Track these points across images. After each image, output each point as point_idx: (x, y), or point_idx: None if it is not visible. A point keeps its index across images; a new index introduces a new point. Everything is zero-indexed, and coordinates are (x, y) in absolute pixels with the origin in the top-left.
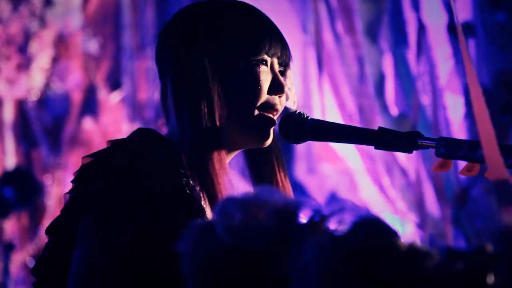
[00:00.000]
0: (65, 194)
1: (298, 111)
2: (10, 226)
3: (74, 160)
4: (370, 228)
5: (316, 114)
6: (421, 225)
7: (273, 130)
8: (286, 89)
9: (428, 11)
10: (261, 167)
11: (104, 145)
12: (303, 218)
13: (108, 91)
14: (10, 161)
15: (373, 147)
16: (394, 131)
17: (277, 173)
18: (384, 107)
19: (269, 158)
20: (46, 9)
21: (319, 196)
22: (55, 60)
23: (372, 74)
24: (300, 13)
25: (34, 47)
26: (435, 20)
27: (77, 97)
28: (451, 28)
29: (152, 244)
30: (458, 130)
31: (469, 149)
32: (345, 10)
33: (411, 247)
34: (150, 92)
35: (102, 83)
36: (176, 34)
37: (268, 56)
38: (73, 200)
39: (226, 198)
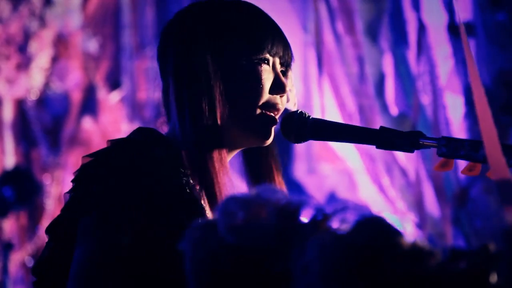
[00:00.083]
0: (65, 193)
1: (299, 110)
2: (9, 226)
3: (73, 160)
4: (373, 227)
5: (316, 114)
6: (420, 225)
7: (273, 130)
8: (287, 88)
9: (428, 11)
10: (258, 167)
11: (103, 145)
12: (305, 217)
13: (108, 90)
14: (10, 160)
15: (373, 146)
16: (395, 131)
17: (274, 173)
18: (384, 107)
19: (266, 159)
20: (45, 9)
21: (318, 195)
22: (55, 59)
23: (372, 74)
24: (300, 13)
25: (33, 46)
26: (435, 20)
27: (76, 96)
28: (451, 28)
29: (152, 243)
30: (458, 130)
31: (471, 148)
32: (345, 10)
33: (414, 246)
34: (149, 92)
35: (102, 82)
36: (178, 32)
37: (270, 55)
38: (73, 200)
39: (228, 197)
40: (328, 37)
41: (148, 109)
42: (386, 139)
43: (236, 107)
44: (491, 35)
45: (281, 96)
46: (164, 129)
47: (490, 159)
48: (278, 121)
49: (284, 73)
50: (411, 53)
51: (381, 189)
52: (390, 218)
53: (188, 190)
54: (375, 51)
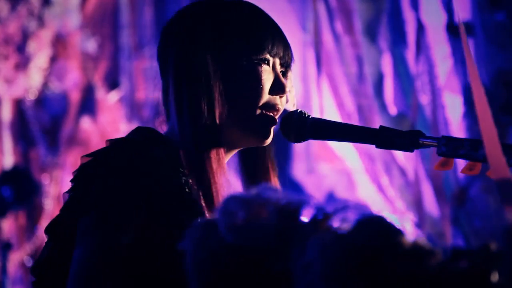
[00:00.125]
0: (64, 193)
1: (299, 109)
2: (8, 226)
3: (72, 160)
4: (374, 226)
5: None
6: (419, 225)
7: (273, 130)
8: (287, 89)
9: (427, 10)
10: (254, 167)
11: (102, 145)
12: (306, 217)
13: (106, 90)
14: (8, 160)
15: (372, 146)
16: (395, 130)
17: (270, 174)
18: (383, 107)
19: (263, 159)
20: (44, 9)
21: (317, 195)
22: (53, 59)
23: (371, 73)
24: (299, 13)
25: (32, 46)
26: (434, 20)
27: (75, 96)
28: (450, 27)
29: (152, 243)
30: (457, 130)
31: (471, 148)
32: (344, 10)
33: (415, 246)
34: (148, 91)
35: (100, 82)
36: (178, 31)
37: (271, 56)
38: (72, 200)
39: (228, 196)
40: (327, 37)
41: (146, 109)
42: (386, 138)
43: (236, 107)
44: (490, 35)
45: (280, 97)
46: (163, 128)
47: (490, 159)
48: (277, 121)
49: (284, 74)
50: (410, 53)
51: (380, 188)
52: (390, 217)
53: (187, 190)
54: (374, 51)
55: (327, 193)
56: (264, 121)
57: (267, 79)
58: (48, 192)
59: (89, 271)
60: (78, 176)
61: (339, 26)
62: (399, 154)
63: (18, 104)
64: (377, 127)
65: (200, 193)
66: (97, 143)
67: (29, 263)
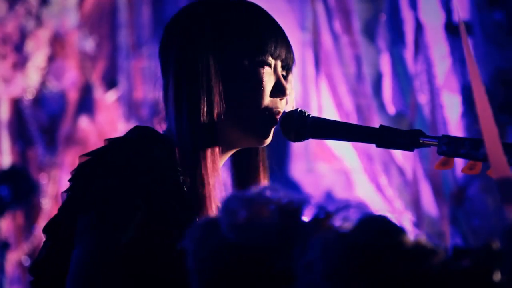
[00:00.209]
0: (62, 193)
1: (299, 109)
2: (6, 225)
3: (70, 159)
4: (376, 225)
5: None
6: (417, 224)
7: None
8: (287, 92)
9: (426, 10)
10: (245, 168)
11: (100, 144)
12: (307, 216)
13: (104, 90)
14: (6, 160)
15: (371, 145)
16: (395, 129)
17: (261, 176)
18: (382, 106)
19: (255, 160)
20: (42, 8)
21: (315, 195)
22: (51, 59)
23: (369, 73)
24: (298, 13)
25: (30, 46)
26: (433, 19)
27: (73, 96)
28: (449, 27)
29: (150, 242)
30: (455, 129)
31: (471, 147)
32: (342, 10)
33: (417, 245)
34: (146, 91)
35: (98, 82)
36: (182, 29)
37: (273, 58)
38: (70, 199)
39: (230, 195)
40: (326, 37)
41: (144, 108)
42: (386, 137)
43: (236, 107)
44: (489, 34)
45: (280, 99)
46: (162, 127)
47: (491, 158)
48: (277, 122)
49: (285, 77)
50: (408, 53)
51: (379, 188)
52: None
53: (185, 189)
54: (372, 50)
55: (325, 192)
56: (264, 121)
57: (268, 81)
58: (46, 191)
59: (88, 271)
60: (76, 176)
61: (337, 26)
62: (397, 154)
63: (16, 104)
64: (376, 126)
65: (193, 193)
66: (95, 143)
67: (27, 262)
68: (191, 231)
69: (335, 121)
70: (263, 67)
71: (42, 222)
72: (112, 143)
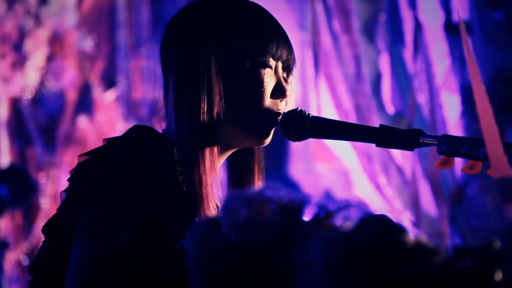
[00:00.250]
0: (61, 192)
1: (299, 108)
2: (4, 224)
3: (68, 159)
4: (377, 225)
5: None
6: (416, 224)
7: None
8: (288, 94)
9: (425, 9)
10: (241, 170)
11: (99, 144)
12: (308, 215)
13: (103, 89)
14: (5, 159)
15: (370, 145)
16: (395, 129)
17: (255, 177)
18: (381, 106)
19: (251, 162)
20: (41, 8)
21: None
22: (50, 58)
23: (368, 73)
24: (297, 12)
25: (29, 45)
26: (432, 19)
27: (71, 95)
28: (448, 26)
29: (150, 242)
30: (455, 129)
31: (472, 146)
32: (342, 10)
33: (418, 244)
34: (145, 91)
35: (97, 81)
36: (183, 28)
37: (274, 59)
38: (70, 199)
39: (231, 194)
40: (325, 37)
41: (143, 108)
42: (386, 137)
43: (236, 107)
44: (488, 34)
45: (281, 101)
46: (162, 126)
47: (492, 157)
48: (277, 123)
49: (285, 78)
50: (408, 52)
51: (378, 188)
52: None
53: (184, 188)
54: (371, 50)
55: (324, 192)
56: (264, 122)
57: (269, 83)
58: (45, 191)
59: (87, 270)
60: (76, 175)
61: (337, 26)
62: (396, 154)
63: (15, 103)
64: (375, 126)
65: (190, 192)
66: (93, 142)
67: (26, 262)
68: (192, 230)
69: (335, 120)
70: (264, 68)
71: (41, 222)
72: (111, 143)
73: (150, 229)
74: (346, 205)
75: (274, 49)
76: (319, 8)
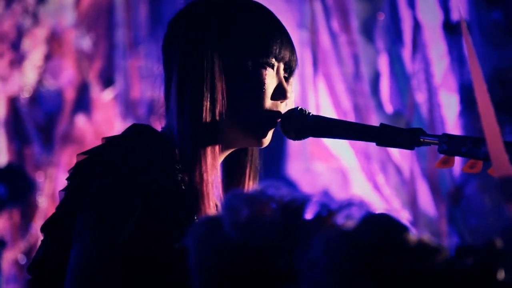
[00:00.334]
0: (60, 191)
1: (299, 107)
2: (2, 223)
3: (66, 158)
4: (379, 223)
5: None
6: (414, 223)
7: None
8: (289, 95)
9: (424, 9)
10: (233, 169)
11: (96, 143)
12: (310, 214)
13: (101, 88)
14: (2, 158)
15: (368, 144)
16: (396, 128)
17: (246, 178)
18: (379, 105)
19: (243, 162)
20: (39, 6)
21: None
22: (48, 57)
23: (367, 72)
24: (296, 12)
25: (27, 44)
26: (431, 18)
27: (69, 94)
28: (447, 26)
29: (149, 241)
30: (453, 128)
31: (472, 145)
32: (340, 9)
33: (420, 243)
34: (143, 90)
35: (95, 80)
36: (187, 26)
37: (276, 60)
38: (69, 198)
39: (232, 193)
40: (324, 36)
41: (141, 107)
42: (386, 136)
43: (237, 107)
44: (486, 34)
45: (281, 102)
46: (161, 123)
47: (493, 156)
48: (277, 124)
49: (287, 78)
50: (406, 52)
51: (376, 187)
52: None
53: (183, 187)
54: (370, 49)
55: (322, 191)
56: (264, 123)
57: (270, 84)
58: (43, 190)
59: (86, 270)
60: (74, 174)
61: (335, 25)
62: (395, 153)
63: (13, 102)
64: (379, 124)
65: (191, 190)
66: (91, 141)
67: (23, 261)
68: (193, 229)
69: (335, 119)
70: (266, 69)
71: (38, 221)
72: (110, 142)
73: (149, 228)
74: (348, 204)
75: (277, 50)
76: (318, 8)
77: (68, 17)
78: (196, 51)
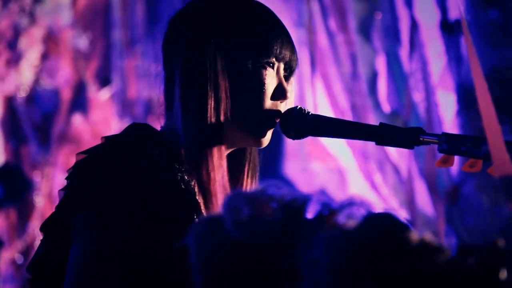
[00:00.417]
0: (59, 191)
1: (298, 106)
2: None
3: (63, 157)
4: (381, 223)
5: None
6: (412, 223)
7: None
8: (288, 95)
9: (421, 8)
10: (231, 168)
11: (93, 142)
12: (311, 213)
13: (98, 88)
14: None
15: (366, 143)
16: (395, 127)
17: (245, 177)
18: (377, 105)
19: (242, 161)
20: (35, 6)
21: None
22: (45, 56)
23: (364, 72)
24: (293, 11)
25: (23, 43)
26: (428, 18)
27: (66, 93)
28: (444, 25)
29: (149, 240)
30: (450, 128)
31: (472, 144)
32: (338, 8)
33: (422, 242)
34: (139, 89)
35: (92, 80)
36: (189, 25)
37: (277, 60)
38: (68, 197)
39: (233, 192)
40: (321, 35)
41: (138, 106)
42: (386, 135)
43: (237, 107)
44: (484, 33)
45: (281, 102)
46: (161, 122)
47: (494, 156)
48: (276, 124)
49: (287, 78)
50: (404, 51)
51: (373, 186)
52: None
53: (183, 186)
54: (367, 49)
55: (319, 191)
56: (264, 123)
57: (270, 84)
58: (40, 189)
59: (86, 269)
60: (74, 174)
61: (333, 24)
62: (392, 152)
63: (9, 101)
64: (379, 123)
65: (199, 190)
66: (88, 141)
67: (20, 260)
68: (194, 228)
69: (334, 118)
70: (266, 69)
71: (35, 220)
72: (109, 141)
73: (149, 228)
74: (349, 203)
75: (277, 50)
76: (315, 7)
77: (65, 17)
78: (198, 50)
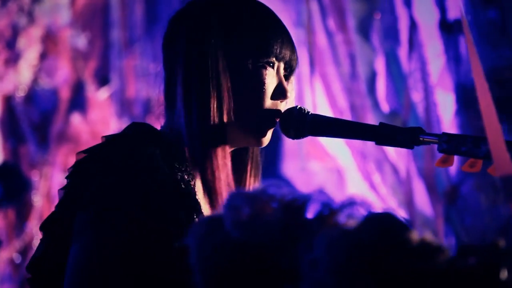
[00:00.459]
0: (59, 190)
1: (298, 106)
2: None
3: (61, 157)
4: (381, 223)
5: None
6: (411, 223)
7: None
8: (288, 95)
9: (420, 8)
10: (233, 167)
11: (92, 142)
12: (311, 213)
13: (96, 87)
14: None
15: (364, 143)
16: (395, 127)
17: (248, 176)
18: (376, 105)
19: (244, 160)
20: (34, 5)
21: None
22: (43, 56)
23: (363, 71)
24: (292, 11)
25: (22, 42)
26: (427, 17)
27: (65, 93)
28: (443, 25)
29: (149, 240)
30: (449, 127)
31: (472, 144)
32: (337, 8)
33: (423, 242)
34: (138, 89)
35: (90, 79)
36: (190, 25)
37: (277, 59)
38: (68, 196)
39: (234, 192)
40: (320, 35)
41: (137, 106)
42: (386, 135)
43: (237, 106)
44: (483, 33)
45: (281, 101)
46: (160, 121)
47: (494, 156)
48: (276, 124)
49: (287, 77)
50: (403, 51)
51: (372, 186)
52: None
53: (183, 186)
54: (366, 48)
55: (317, 190)
56: (264, 123)
57: (270, 83)
58: (38, 189)
59: (86, 268)
60: (74, 173)
61: (332, 24)
62: (391, 152)
63: (8, 101)
64: (378, 123)
65: (204, 189)
66: (87, 140)
67: (18, 260)
68: (194, 228)
69: (334, 118)
70: (266, 68)
71: (33, 220)
72: (109, 140)
73: (149, 227)
74: (349, 203)
75: (277, 49)
76: (314, 7)
77: (64, 16)
78: (199, 50)
